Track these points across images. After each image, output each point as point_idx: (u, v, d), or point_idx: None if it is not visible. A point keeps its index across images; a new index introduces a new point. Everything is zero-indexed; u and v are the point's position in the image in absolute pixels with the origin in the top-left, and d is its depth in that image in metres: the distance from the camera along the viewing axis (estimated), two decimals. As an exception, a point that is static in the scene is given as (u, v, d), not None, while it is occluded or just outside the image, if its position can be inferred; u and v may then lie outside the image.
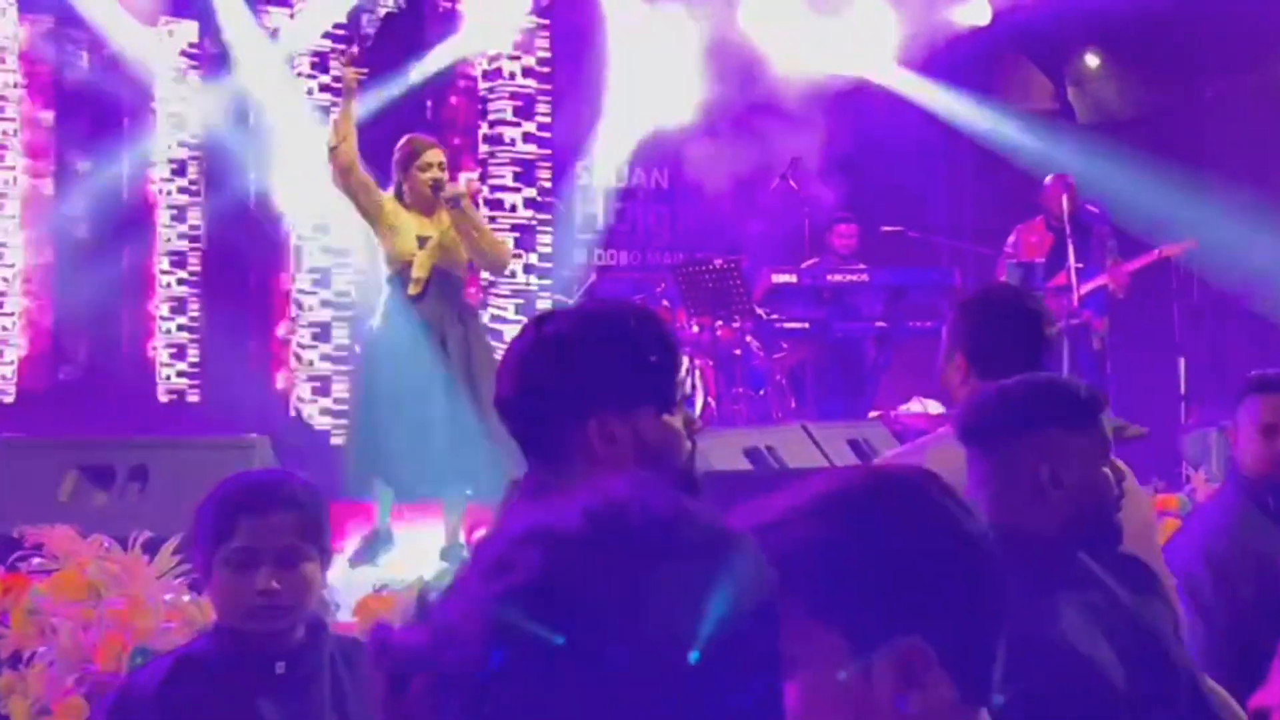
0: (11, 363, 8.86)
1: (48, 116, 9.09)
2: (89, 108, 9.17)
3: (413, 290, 5.90)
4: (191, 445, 5.09)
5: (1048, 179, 7.94)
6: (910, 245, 8.99)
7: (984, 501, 2.29)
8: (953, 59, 10.15)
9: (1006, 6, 9.96)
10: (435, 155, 5.98)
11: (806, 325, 8.72)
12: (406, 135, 6.17)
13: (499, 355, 5.77)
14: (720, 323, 8.91)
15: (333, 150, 5.78)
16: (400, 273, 5.93)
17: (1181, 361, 8.37)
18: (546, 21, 10.09)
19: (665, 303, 9.22)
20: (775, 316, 8.89)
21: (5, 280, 8.82)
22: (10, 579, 4.08)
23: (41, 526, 4.11)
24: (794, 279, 8.49)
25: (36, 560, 4.07)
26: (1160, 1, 9.19)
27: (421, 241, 5.92)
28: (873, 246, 9.15)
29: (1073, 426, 2.33)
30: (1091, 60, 10.57)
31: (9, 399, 8.75)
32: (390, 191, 6.00)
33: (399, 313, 5.93)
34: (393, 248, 5.93)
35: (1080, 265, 7.56)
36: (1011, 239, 8.06)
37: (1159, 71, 9.87)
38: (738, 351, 9.22)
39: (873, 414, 8.42)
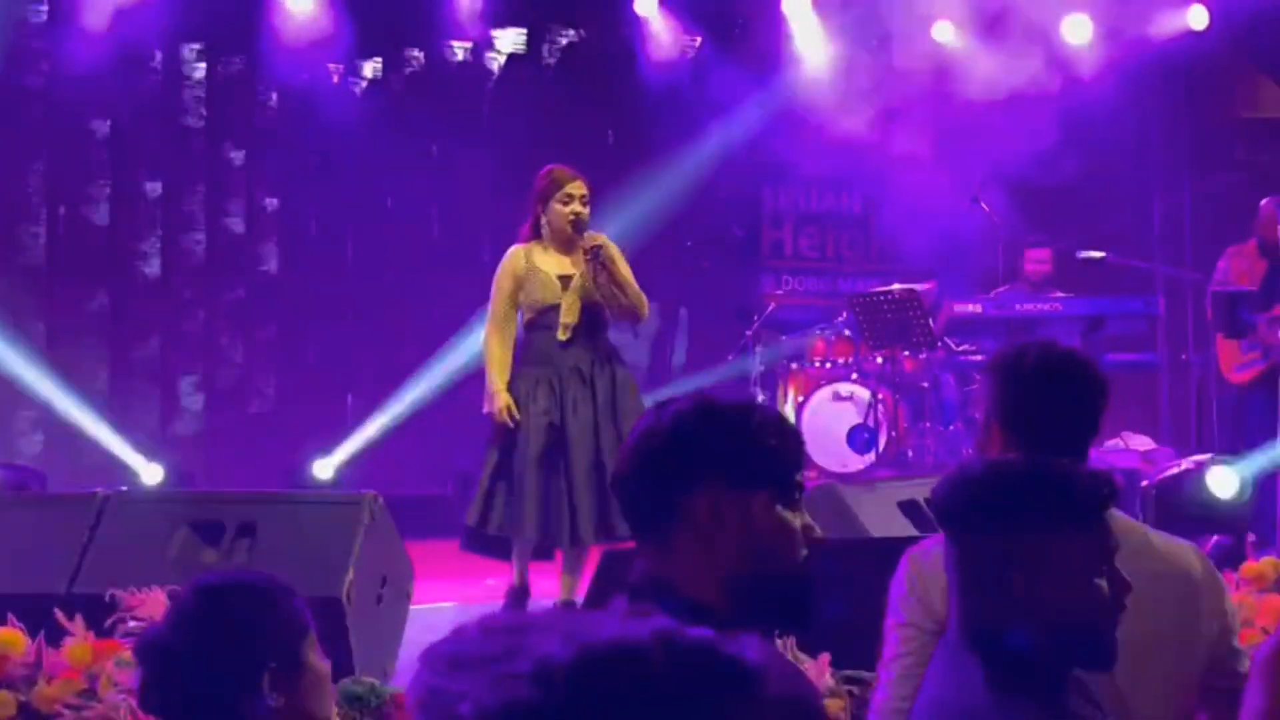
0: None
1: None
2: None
3: (562, 336, 5.55)
4: (296, 500, 4.96)
5: (1264, 201, 7.30)
6: (1110, 272, 8.44)
7: (970, 611, 2.06)
8: (1169, 67, 9.72)
9: (1228, 12, 9.44)
10: (578, 188, 5.58)
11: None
12: (548, 166, 5.76)
13: (646, 401, 5.64)
14: (907, 354, 8.63)
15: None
16: (542, 316, 5.58)
17: None
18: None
19: (846, 332, 8.99)
20: (965, 348, 8.52)
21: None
22: (101, 644, 3.96)
23: (134, 590, 4.02)
24: (979, 309, 8.06)
25: (133, 624, 3.98)
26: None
27: (564, 282, 5.57)
28: (1070, 273, 8.64)
29: (1059, 528, 2.00)
30: (1324, 65, 9.85)
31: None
32: (527, 230, 5.66)
33: (544, 362, 5.57)
34: (534, 293, 5.57)
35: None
36: (1221, 265, 7.47)
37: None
38: (926, 384, 8.89)
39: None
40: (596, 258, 5.45)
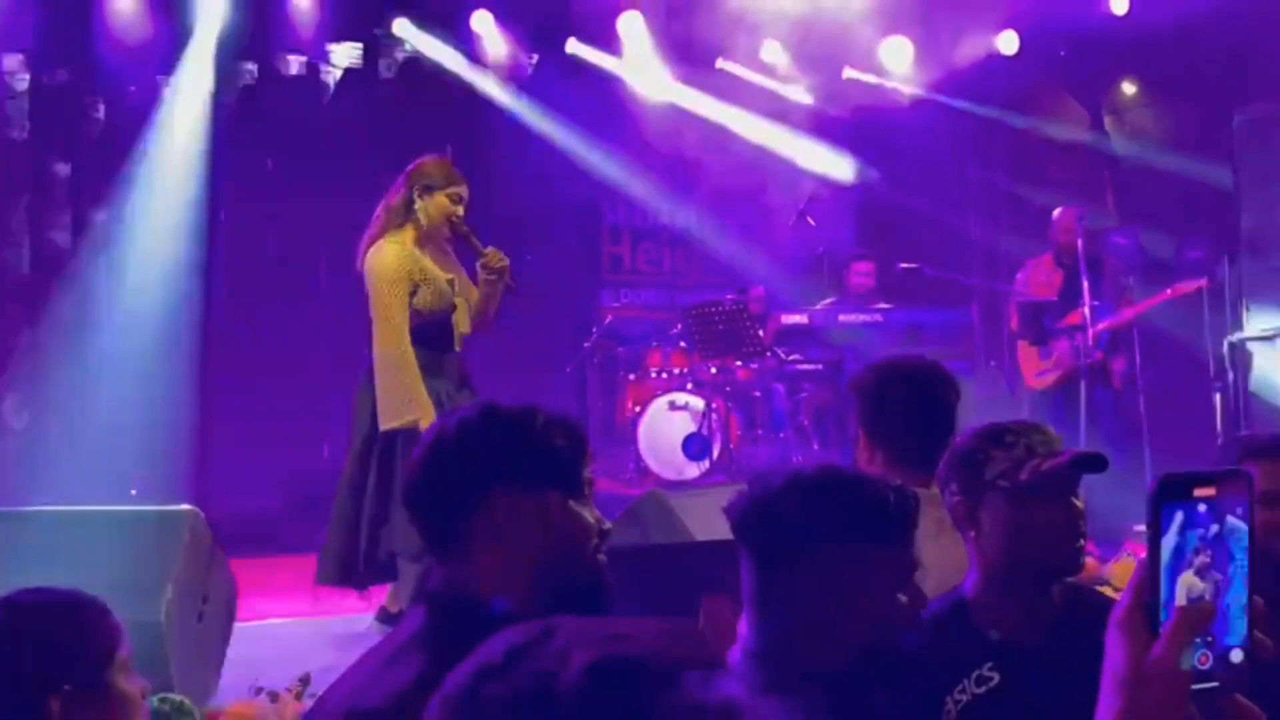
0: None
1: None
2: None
3: (457, 346, 5.25)
4: (110, 515, 4.81)
5: (1056, 212, 7.58)
6: (929, 284, 8.68)
7: (768, 628, 1.93)
8: (983, 89, 10.00)
9: (1038, 36, 9.76)
10: (465, 191, 5.22)
11: (820, 366, 8.50)
12: (432, 155, 5.34)
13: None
14: (739, 363, 8.79)
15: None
16: (433, 323, 5.15)
17: (1218, 398, 7.95)
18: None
19: (681, 344, 9.10)
20: (795, 357, 8.71)
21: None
22: None
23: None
24: (806, 320, 8.24)
25: None
26: (1197, 29, 8.93)
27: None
28: (892, 285, 8.87)
29: (865, 544, 1.89)
30: (1128, 89, 10.28)
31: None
32: (388, 217, 5.13)
33: (435, 373, 5.14)
34: (431, 300, 5.13)
35: (1095, 303, 7.17)
36: (1021, 276, 7.76)
37: (1193, 99, 9.53)
38: (757, 393, 9.07)
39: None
40: (503, 277, 5.21)
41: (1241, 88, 9.09)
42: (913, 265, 8.35)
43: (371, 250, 5.15)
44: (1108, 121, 10.34)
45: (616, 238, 10.61)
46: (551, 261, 9.86)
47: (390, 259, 5.09)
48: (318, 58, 9.70)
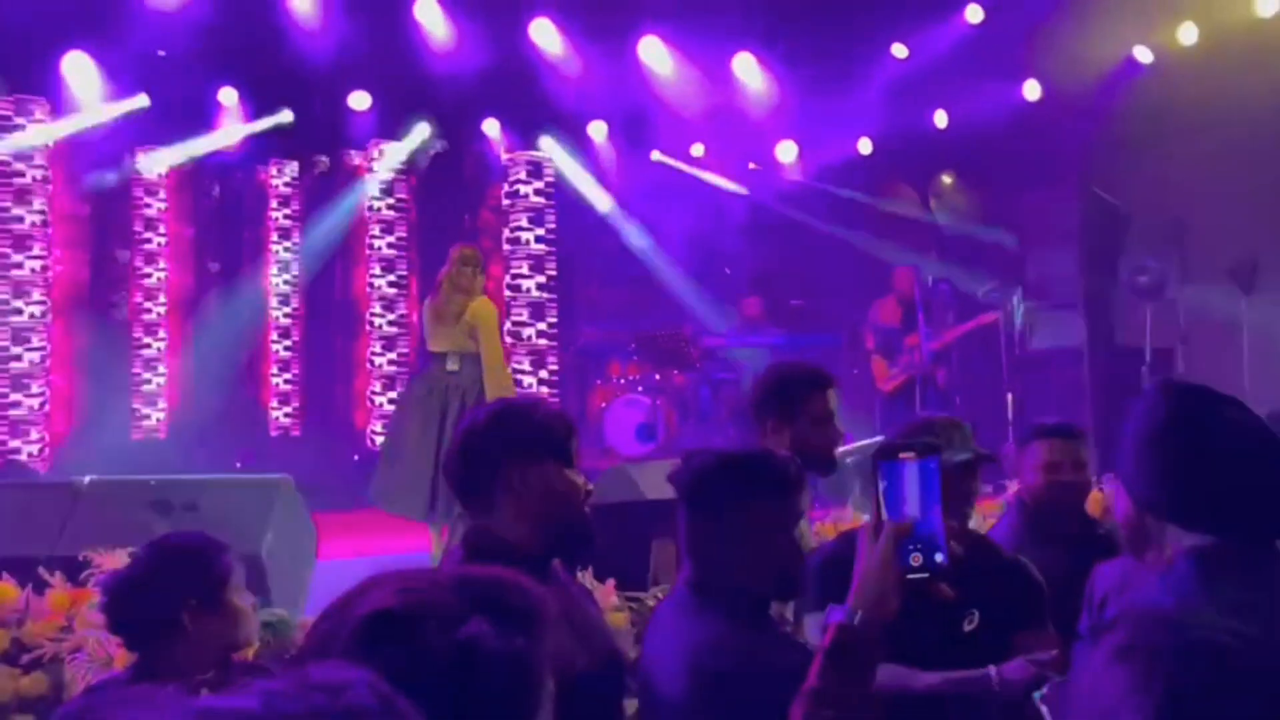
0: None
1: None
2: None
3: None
4: (229, 483, 4.78)
5: (899, 269, 7.63)
6: (808, 314, 8.71)
7: (701, 560, 1.91)
8: (846, 178, 10.06)
9: (885, 141, 9.85)
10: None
11: (733, 375, 8.50)
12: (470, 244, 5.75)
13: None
14: (677, 373, 8.78)
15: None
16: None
17: (1009, 396, 8.02)
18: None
19: (635, 359, 9.07)
20: (715, 368, 8.71)
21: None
22: (77, 593, 3.77)
23: (102, 550, 3.83)
24: (722, 341, 8.22)
25: (100, 576, 3.80)
26: (995, 133, 9.06)
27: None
28: (782, 316, 8.87)
29: (776, 498, 1.90)
30: (947, 178, 10.37)
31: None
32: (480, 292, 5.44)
33: None
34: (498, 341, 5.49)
35: (926, 330, 7.23)
36: (872, 312, 7.77)
37: (993, 184, 9.65)
38: (689, 394, 9.06)
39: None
40: None
41: (1026, 177, 9.24)
42: (799, 302, 8.37)
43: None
44: (932, 202, 10.41)
45: (589, 283, 10.53)
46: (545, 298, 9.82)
47: (493, 310, 5.51)
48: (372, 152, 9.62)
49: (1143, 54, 8.96)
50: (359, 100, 8.87)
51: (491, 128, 9.65)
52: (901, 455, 1.45)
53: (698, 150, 10.07)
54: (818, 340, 8.38)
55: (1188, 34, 8.75)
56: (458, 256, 5.42)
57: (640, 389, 8.94)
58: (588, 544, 2.03)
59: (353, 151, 9.48)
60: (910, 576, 1.42)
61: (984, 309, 7.76)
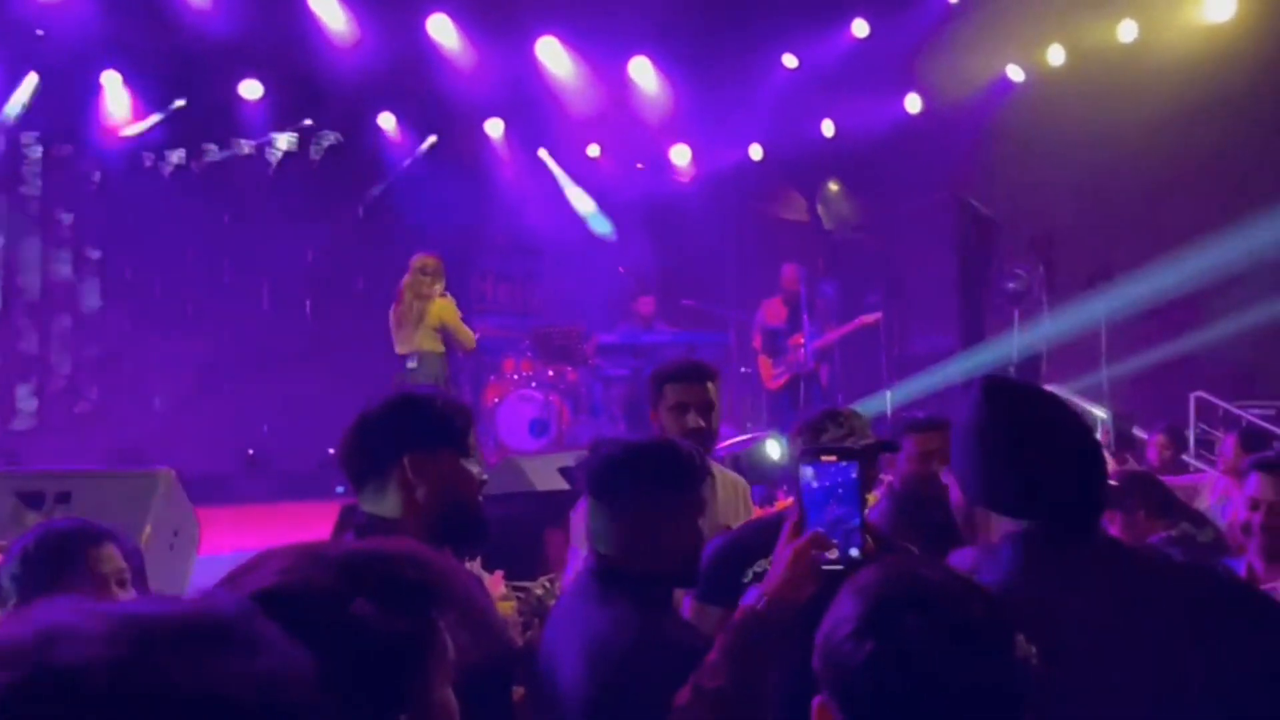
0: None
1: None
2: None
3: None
4: (104, 476, 4.63)
5: (785, 266, 7.80)
6: (699, 314, 8.84)
7: (604, 549, 1.93)
8: (738, 183, 10.23)
9: (775, 149, 10.07)
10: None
11: (626, 371, 8.56)
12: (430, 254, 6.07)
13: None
14: (569, 369, 8.80)
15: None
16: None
17: (888, 395, 8.31)
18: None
19: (529, 355, 9.07)
20: (606, 365, 8.75)
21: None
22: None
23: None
24: (615, 338, 8.29)
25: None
26: (878, 143, 9.34)
27: None
28: (675, 315, 8.99)
29: (679, 488, 1.90)
30: (833, 186, 10.65)
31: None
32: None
33: None
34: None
35: (810, 329, 7.43)
36: (760, 312, 7.92)
37: (876, 192, 9.97)
38: (582, 390, 9.09)
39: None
40: None
41: (906, 187, 9.59)
42: (690, 301, 8.50)
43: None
44: (819, 208, 10.69)
45: (484, 278, 10.49)
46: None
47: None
48: (264, 142, 9.41)
49: (1015, 73, 9.42)
50: (250, 89, 8.65)
51: (387, 121, 9.53)
52: (824, 457, 1.54)
53: (594, 150, 10.12)
54: (708, 339, 8.51)
55: (1056, 55, 9.23)
56: (417, 265, 5.83)
57: (534, 385, 8.93)
58: (482, 535, 2.01)
59: (243, 141, 9.24)
60: (826, 567, 1.53)
61: (864, 311, 8.00)
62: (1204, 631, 1.37)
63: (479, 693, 1.91)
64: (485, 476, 2.02)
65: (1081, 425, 1.57)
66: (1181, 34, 8.63)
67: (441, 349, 5.89)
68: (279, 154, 9.47)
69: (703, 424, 2.85)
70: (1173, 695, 1.34)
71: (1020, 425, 1.53)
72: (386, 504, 1.88)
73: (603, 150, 10.08)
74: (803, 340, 7.41)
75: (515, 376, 9.18)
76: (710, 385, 2.91)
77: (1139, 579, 1.46)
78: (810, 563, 1.54)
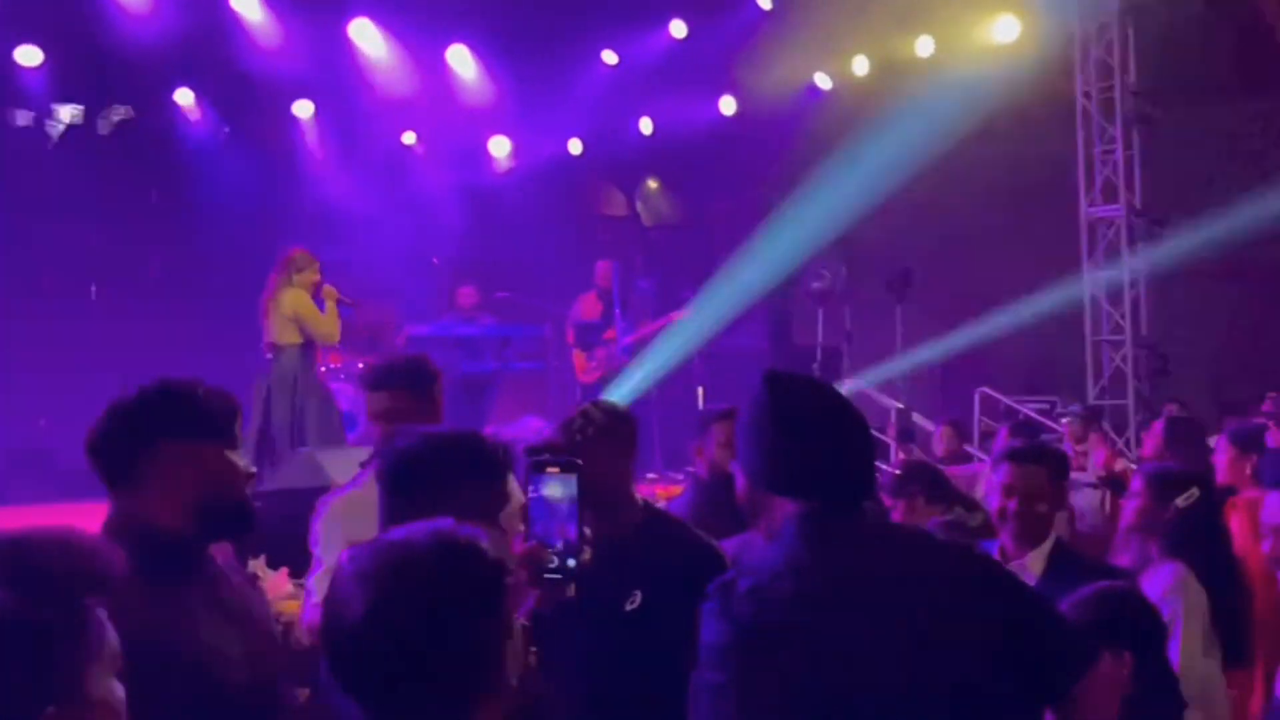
0: None
1: None
2: None
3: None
4: None
5: (600, 262, 7.83)
6: (517, 307, 8.73)
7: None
8: (558, 177, 10.18)
9: (595, 140, 10.09)
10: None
11: (441, 365, 8.34)
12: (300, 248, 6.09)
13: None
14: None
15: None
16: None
17: (700, 390, 8.45)
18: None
19: (338, 347, 8.69)
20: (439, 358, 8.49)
21: None
22: None
23: None
24: (426, 330, 8.09)
25: None
26: (695, 143, 9.53)
27: None
28: (494, 307, 8.85)
29: (485, 478, 1.84)
30: (652, 183, 10.78)
31: None
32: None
33: None
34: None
35: (623, 324, 7.48)
36: (575, 307, 7.92)
37: (693, 191, 10.17)
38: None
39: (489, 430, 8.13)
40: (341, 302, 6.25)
41: (721, 186, 9.84)
42: (505, 294, 8.38)
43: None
44: (639, 205, 10.81)
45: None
46: (230, 278, 9.23)
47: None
48: (44, 114, 8.64)
49: (823, 80, 9.80)
50: (28, 55, 7.93)
51: (184, 97, 8.95)
52: (548, 469, 1.62)
53: (409, 138, 9.86)
54: (524, 332, 8.42)
55: (861, 66, 9.67)
56: (284, 260, 5.95)
57: (343, 377, 8.60)
58: (246, 528, 1.93)
59: (19, 111, 8.47)
60: (547, 576, 1.61)
61: (677, 307, 8.12)
62: (955, 599, 1.53)
63: (245, 693, 1.81)
64: (253, 469, 1.93)
65: (851, 413, 1.69)
66: (973, 52, 9.21)
67: (299, 340, 5.88)
68: (61, 127, 8.73)
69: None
70: (932, 654, 1.49)
71: (795, 414, 1.65)
72: (140, 497, 1.81)
73: (419, 138, 9.82)
74: (616, 335, 7.44)
75: (324, 369, 8.81)
76: None
77: (901, 554, 1.60)
78: (531, 571, 1.61)
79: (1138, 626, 2.20)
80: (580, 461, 1.69)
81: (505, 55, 9.05)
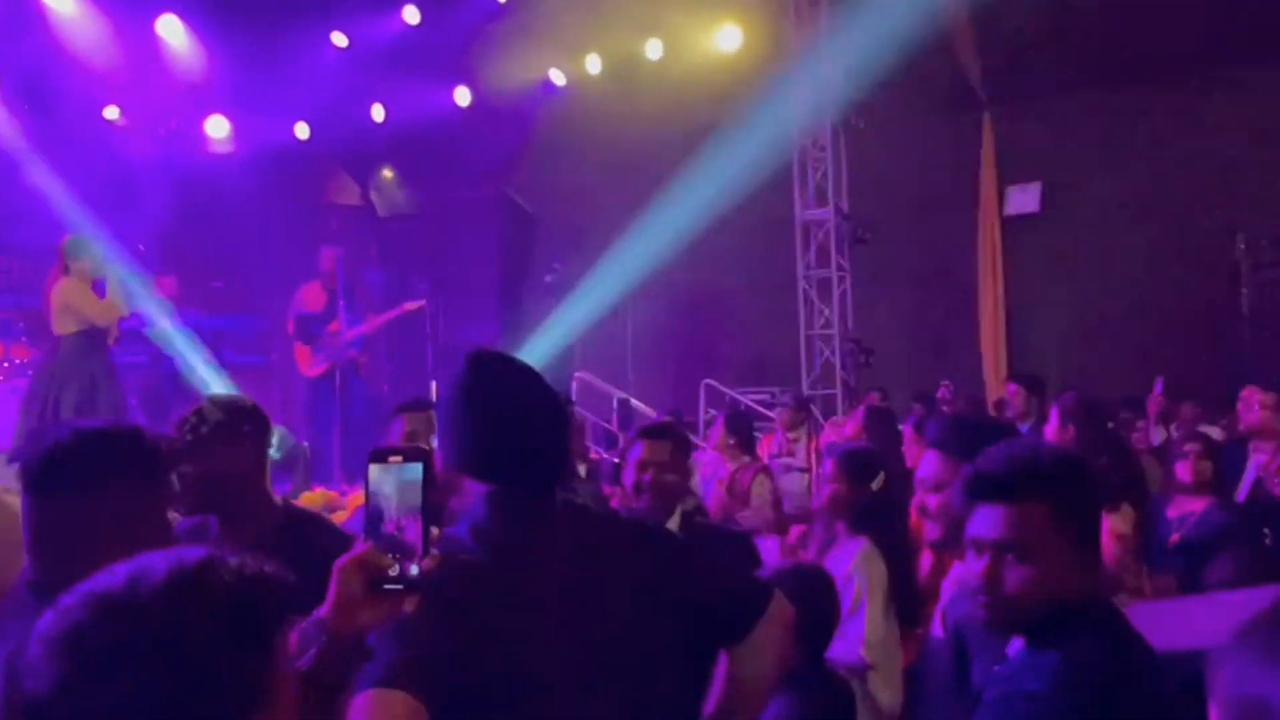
0: None
1: None
2: None
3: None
4: None
5: (323, 249, 7.46)
6: (236, 296, 8.22)
7: (46, 557, 1.62)
8: (284, 164, 9.64)
9: (324, 125, 9.66)
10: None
11: (143, 358, 7.74)
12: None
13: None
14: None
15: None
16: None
17: (434, 384, 8.29)
18: None
19: (23, 338, 7.87)
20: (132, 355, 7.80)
21: None
22: None
23: None
24: (130, 323, 7.40)
25: None
26: (429, 133, 9.32)
27: None
28: (200, 296, 8.26)
29: (147, 476, 1.64)
30: (387, 172, 10.51)
31: None
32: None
33: None
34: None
35: (348, 316, 7.19)
36: (297, 296, 7.52)
37: (429, 182, 9.98)
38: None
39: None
40: None
41: (455, 177, 9.69)
42: (222, 283, 7.87)
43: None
44: (373, 194, 10.48)
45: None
46: None
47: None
48: None
49: (557, 76, 9.90)
50: None
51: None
52: (390, 459, 1.31)
53: (112, 113, 9.02)
54: (241, 324, 7.94)
55: (594, 64, 9.84)
56: (57, 250, 5.77)
57: (30, 374, 7.76)
58: None
59: None
60: (387, 587, 1.26)
61: (410, 298, 7.93)
62: (637, 567, 1.60)
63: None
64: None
65: (550, 397, 1.65)
66: (698, 58, 9.60)
67: (77, 328, 5.74)
68: None
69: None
70: (623, 620, 1.55)
71: (488, 396, 1.60)
72: None
73: (122, 113, 9.01)
74: (340, 327, 7.14)
75: (5, 364, 7.91)
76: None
77: (589, 531, 1.63)
78: (364, 584, 1.25)
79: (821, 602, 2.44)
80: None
81: (223, 28, 8.46)
